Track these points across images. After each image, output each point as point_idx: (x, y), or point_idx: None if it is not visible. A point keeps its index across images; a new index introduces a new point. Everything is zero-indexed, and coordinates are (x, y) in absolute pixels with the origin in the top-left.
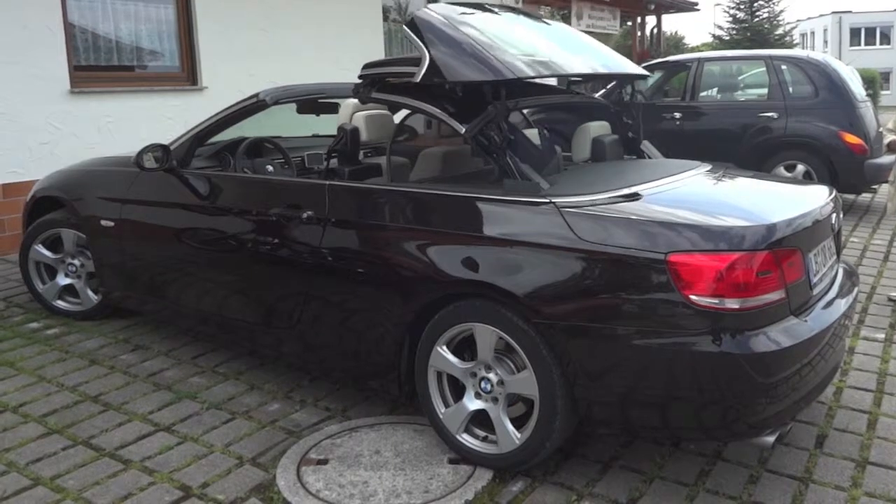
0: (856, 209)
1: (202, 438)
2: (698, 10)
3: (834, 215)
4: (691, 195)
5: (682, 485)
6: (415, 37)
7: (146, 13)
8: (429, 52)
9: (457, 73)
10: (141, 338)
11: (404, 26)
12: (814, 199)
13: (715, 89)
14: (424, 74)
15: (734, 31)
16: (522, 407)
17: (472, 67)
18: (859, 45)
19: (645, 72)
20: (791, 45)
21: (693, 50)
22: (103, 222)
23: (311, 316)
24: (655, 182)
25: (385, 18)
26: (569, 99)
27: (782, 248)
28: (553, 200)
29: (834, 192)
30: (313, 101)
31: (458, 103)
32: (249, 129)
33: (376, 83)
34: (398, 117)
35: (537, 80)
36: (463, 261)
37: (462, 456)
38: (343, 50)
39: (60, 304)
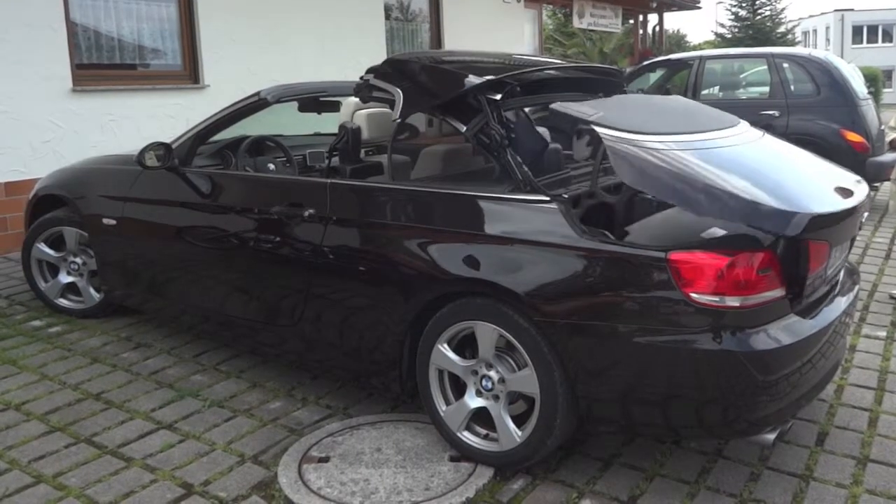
0: None
1: (204, 436)
2: (700, 8)
3: (865, 213)
4: (741, 159)
5: (682, 482)
6: (383, 82)
7: (148, 11)
8: (399, 89)
9: (430, 99)
10: (143, 336)
11: (373, 78)
12: (857, 191)
13: (717, 87)
14: (402, 110)
15: (736, 29)
16: (523, 405)
17: (441, 88)
18: (861, 42)
19: (617, 68)
20: (793, 43)
21: (695, 48)
22: (105, 220)
23: (312, 314)
24: (705, 134)
25: (387, 17)
26: (568, 97)
27: (816, 239)
28: (598, 130)
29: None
30: (315, 100)
31: (458, 102)
32: (251, 127)
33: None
34: None
35: (538, 79)
36: (464, 259)
37: (463, 454)
38: (345, 48)
39: (63, 302)
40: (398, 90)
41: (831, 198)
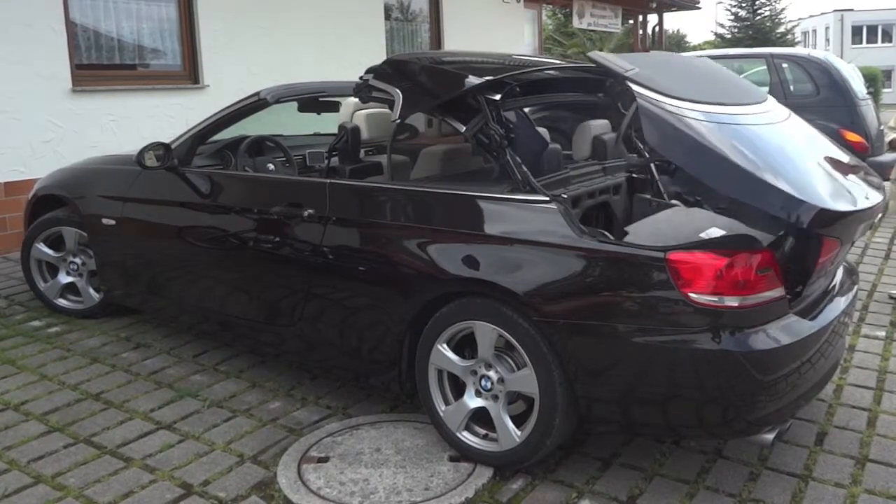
0: None
1: (203, 436)
2: (700, 8)
3: (879, 215)
4: (767, 139)
5: (682, 482)
6: (382, 83)
7: (148, 12)
8: (398, 90)
9: (429, 100)
10: (142, 336)
11: (372, 78)
12: (875, 191)
13: None
14: (401, 111)
15: (736, 30)
16: (523, 405)
17: (441, 88)
18: (861, 42)
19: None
20: (793, 43)
21: (695, 48)
22: (105, 221)
23: (312, 314)
24: (736, 108)
25: (387, 17)
26: (568, 98)
27: (829, 235)
28: (633, 87)
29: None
30: (314, 100)
31: (457, 102)
32: (251, 127)
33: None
34: None
35: (537, 80)
36: (463, 259)
37: (462, 454)
38: (345, 48)
39: (62, 302)
40: (397, 91)
41: (850, 194)
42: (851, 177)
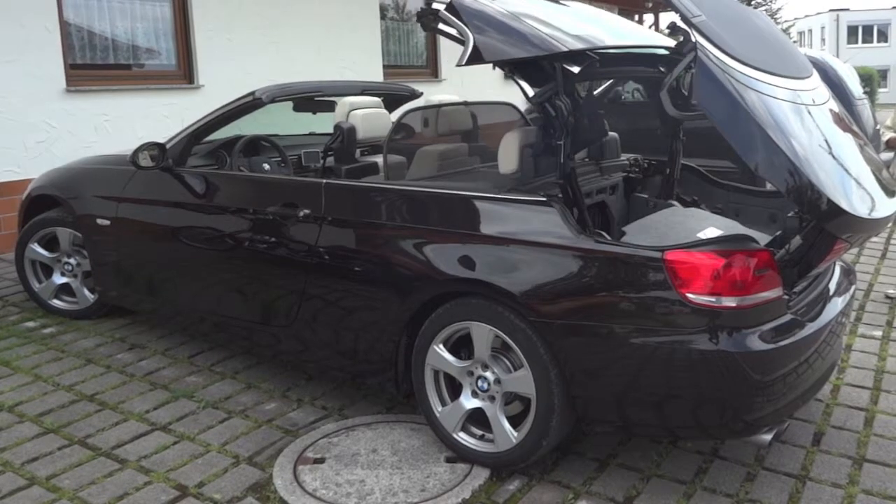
0: None
1: (199, 437)
2: None
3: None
4: (811, 124)
5: (679, 483)
6: (455, 19)
7: (143, 11)
8: (472, 32)
9: (500, 52)
10: (137, 337)
11: (443, 10)
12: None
13: None
14: (470, 57)
15: None
16: (519, 405)
17: (518, 45)
18: (857, 42)
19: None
20: None
21: None
22: (99, 221)
23: (307, 314)
24: (788, 81)
25: (382, 17)
26: (640, 73)
27: (844, 239)
28: (697, 36)
29: None
30: (310, 100)
31: (533, 64)
32: (246, 127)
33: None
34: (395, 116)
35: (616, 55)
36: (460, 259)
37: (459, 454)
38: (340, 48)
39: (56, 303)
40: (471, 34)
41: (872, 199)
42: (874, 178)
